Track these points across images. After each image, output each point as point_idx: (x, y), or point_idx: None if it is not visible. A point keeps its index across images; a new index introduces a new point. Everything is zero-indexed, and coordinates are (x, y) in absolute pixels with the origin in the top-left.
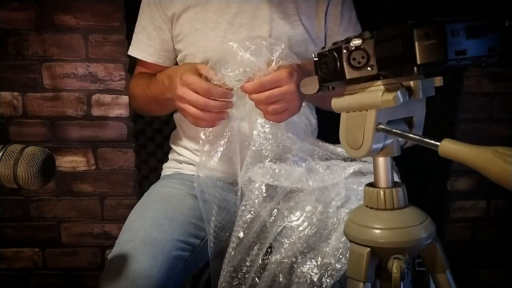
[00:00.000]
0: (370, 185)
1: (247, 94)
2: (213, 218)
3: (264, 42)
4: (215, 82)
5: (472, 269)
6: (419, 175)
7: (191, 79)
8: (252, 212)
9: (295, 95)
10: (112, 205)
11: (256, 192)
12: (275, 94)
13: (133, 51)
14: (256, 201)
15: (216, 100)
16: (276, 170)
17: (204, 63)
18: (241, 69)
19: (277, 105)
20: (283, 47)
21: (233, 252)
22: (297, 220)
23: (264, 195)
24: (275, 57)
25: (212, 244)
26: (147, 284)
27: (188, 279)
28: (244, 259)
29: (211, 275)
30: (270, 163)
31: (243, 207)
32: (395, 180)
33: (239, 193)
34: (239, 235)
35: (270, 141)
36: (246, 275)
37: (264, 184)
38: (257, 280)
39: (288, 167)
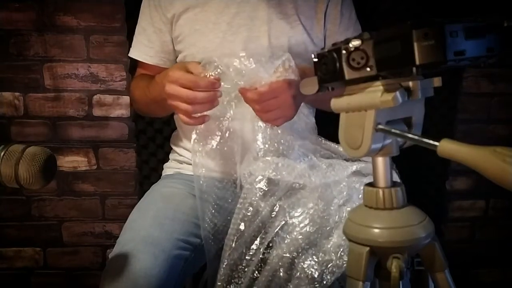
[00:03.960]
0: (370, 184)
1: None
2: (210, 216)
3: (280, 59)
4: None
5: (470, 268)
6: (418, 175)
7: (177, 74)
8: (252, 206)
9: (291, 105)
10: (113, 205)
11: (257, 185)
12: (272, 104)
13: (133, 53)
14: (257, 194)
15: (204, 91)
16: (279, 165)
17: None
18: (247, 75)
19: (272, 113)
20: (292, 64)
21: (233, 245)
22: (299, 216)
23: (266, 189)
24: (279, 70)
25: (211, 242)
26: (148, 283)
27: (188, 278)
28: (245, 253)
29: (208, 273)
30: (273, 157)
31: (242, 200)
32: (394, 180)
33: (238, 187)
34: (239, 227)
35: (271, 138)
36: (246, 269)
37: (265, 178)
38: (257, 274)
39: (291, 162)
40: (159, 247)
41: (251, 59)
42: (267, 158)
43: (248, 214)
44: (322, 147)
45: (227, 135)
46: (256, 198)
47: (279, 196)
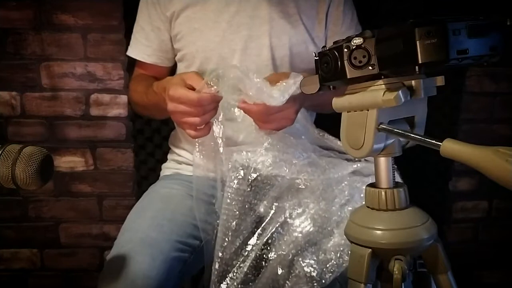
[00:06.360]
0: (371, 185)
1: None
2: (209, 217)
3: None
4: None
5: (473, 270)
6: (421, 176)
7: (178, 93)
8: (239, 195)
9: (292, 119)
10: (111, 206)
11: (242, 175)
12: (276, 117)
13: (131, 52)
14: (245, 185)
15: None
16: (277, 159)
17: (203, 62)
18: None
19: (272, 124)
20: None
21: (227, 239)
22: (299, 216)
23: (252, 179)
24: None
25: (210, 245)
26: (145, 284)
27: (187, 280)
28: (241, 249)
29: (206, 274)
30: (272, 152)
31: (230, 189)
32: (397, 180)
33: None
34: (229, 219)
35: (273, 136)
36: (242, 265)
37: (257, 172)
38: (254, 271)
39: (289, 157)
40: (157, 248)
41: (255, 75)
42: (259, 148)
43: (233, 203)
44: (321, 145)
45: (224, 135)
46: (245, 191)
47: (277, 192)
